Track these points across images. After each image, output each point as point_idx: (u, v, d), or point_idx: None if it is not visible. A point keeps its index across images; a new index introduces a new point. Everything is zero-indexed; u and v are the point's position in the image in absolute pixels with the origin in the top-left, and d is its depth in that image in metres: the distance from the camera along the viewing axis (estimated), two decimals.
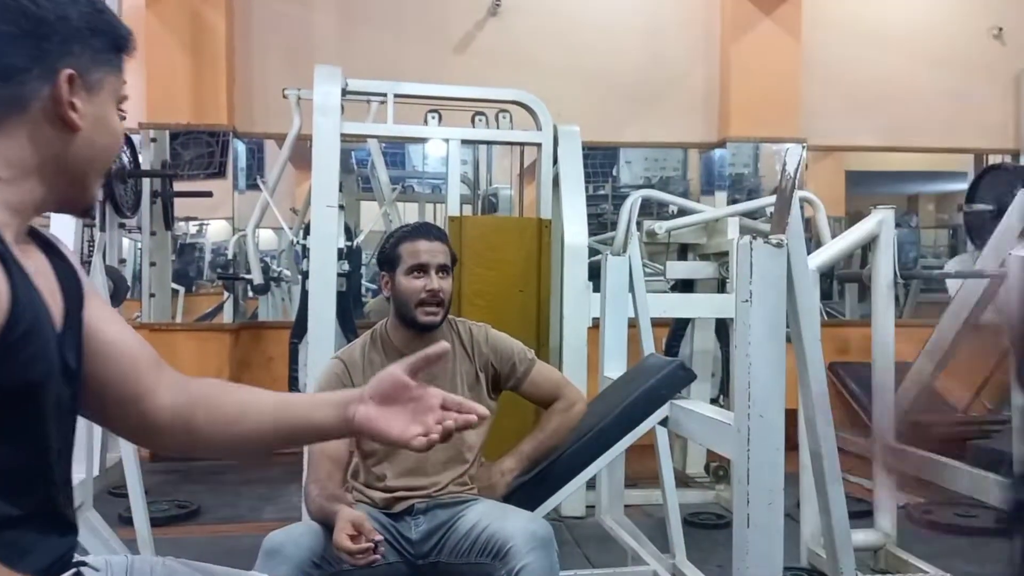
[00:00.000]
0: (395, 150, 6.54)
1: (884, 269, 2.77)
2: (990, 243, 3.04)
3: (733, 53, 5.20)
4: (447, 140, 3.44)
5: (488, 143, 4.34)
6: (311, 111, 3.16)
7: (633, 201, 3.33)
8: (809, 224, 3.65)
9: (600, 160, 6.26)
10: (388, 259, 1.97)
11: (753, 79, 5.13)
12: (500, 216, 4.66)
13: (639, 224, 3.54)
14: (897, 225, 3.28)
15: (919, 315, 5.57)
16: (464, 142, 3.57)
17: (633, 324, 2.94)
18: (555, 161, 3.52)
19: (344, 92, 3.19)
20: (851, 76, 5.31)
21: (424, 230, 2.00)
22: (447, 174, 3.47)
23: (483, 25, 5.14)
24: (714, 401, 3.83)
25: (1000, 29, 5.23)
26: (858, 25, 5.34)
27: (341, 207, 3.38)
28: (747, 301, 1.71)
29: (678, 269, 3.84)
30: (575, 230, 3.27)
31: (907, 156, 6.42)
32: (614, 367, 2.80)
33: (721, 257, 3.75)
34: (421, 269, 1.91)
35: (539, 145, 3.52)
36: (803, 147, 5.15)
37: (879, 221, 2.75)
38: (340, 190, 3.20)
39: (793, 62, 5.15)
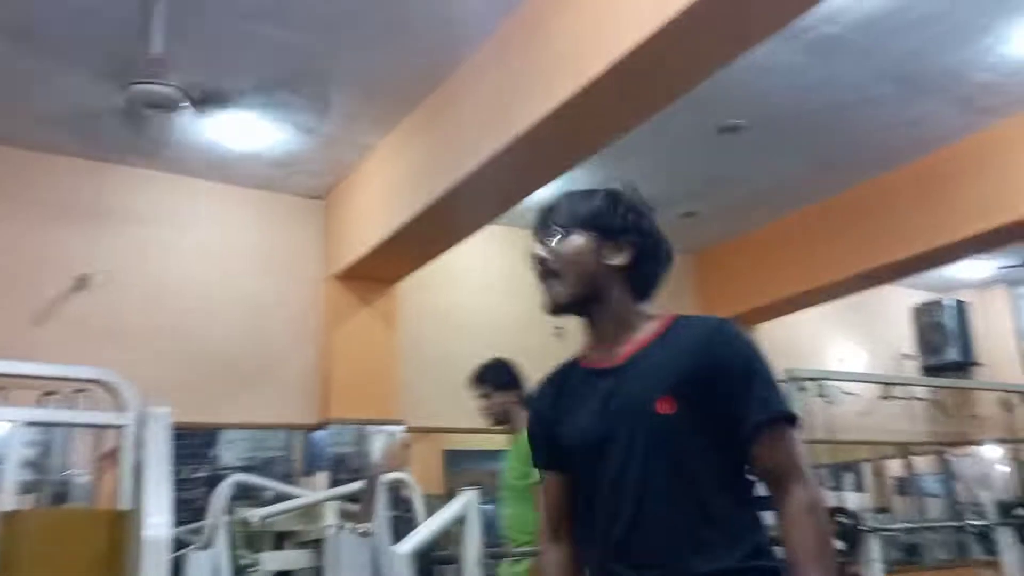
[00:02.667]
0: None
1: (471, 547, 2.89)
2: None
3: (335, 338, 5.42)
4: (11, 423, 3.04)
5: (60, 424, 3.90)
6: None
7: (223, 489, 3.16)
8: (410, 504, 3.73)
9: (199, 441, 5.91)
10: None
11: (354, 363, 5.35)
12: (65, 509, 4.11)
13: (233, 511, 3.34)
14: (487, 503, 3.48)
15: None
16: (30, 424, 3.16)
17: None
18: (140, 445, 3.24)
19: None
20: (446, 362, 5.78)
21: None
22: (5, 461, 3.02)
23: (68, 296, 4.81)
24: None
25: (560, 328, 6.14)
26: (449, 318, 5.91)
27: None
28: None
29: (274, 560, 3.62)
30: (156, 522, 2.96)
31: (498, 436, 6.99)
32: None
33: (320, 544, 3.63)
34: None
35: (121, 428, 3.25)
36: (397, 431, 5.36)
37: (465, 503, 2.90)
38: None
39: (390, 349, 5.50)
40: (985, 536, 7.28)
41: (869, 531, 4.00)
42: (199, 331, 5.15)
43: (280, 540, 3.76)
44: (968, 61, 4.46)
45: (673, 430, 1.37)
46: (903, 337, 7.92)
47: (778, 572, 1.34)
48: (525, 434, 3.03)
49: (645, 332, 1.47)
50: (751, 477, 1.41)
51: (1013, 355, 7.76)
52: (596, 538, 1.44)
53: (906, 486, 7.62)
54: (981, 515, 7.31)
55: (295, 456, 5.71)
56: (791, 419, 1.40)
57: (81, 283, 4.84)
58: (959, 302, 7.79)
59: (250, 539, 3.79)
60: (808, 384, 5.89)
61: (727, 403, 1.38)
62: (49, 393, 3.38)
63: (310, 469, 5.37)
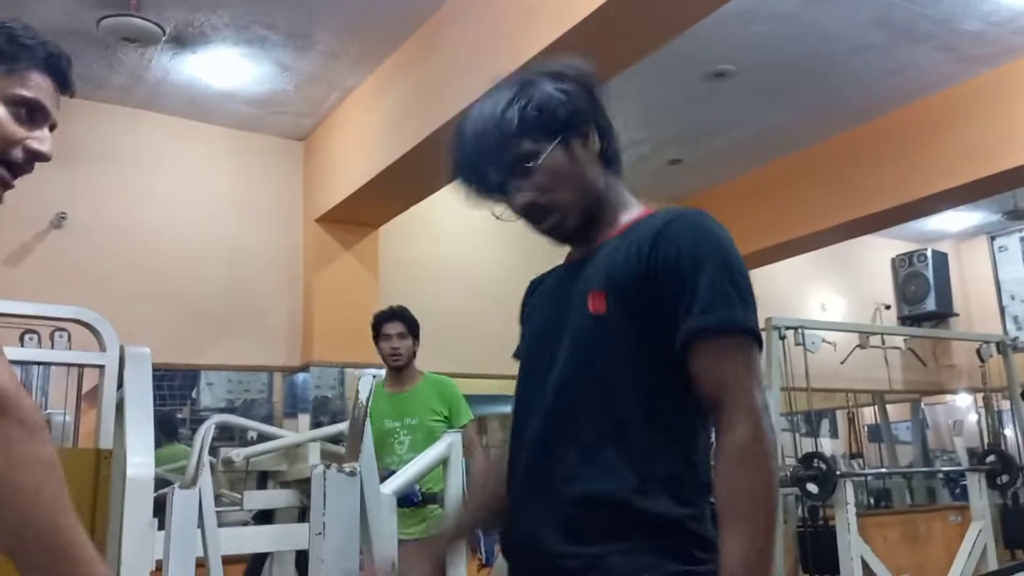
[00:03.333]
0: None
1: (453, 487, 2.91)
2: None
3: (316, 281, 5.39)
4: None
5: (38, 364, 3.86)
6: None
7: (207, 428, 3.14)
8: None
9: (179, 383, 5.90)
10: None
11: (335, 307, 5.33)
12: None
13: (216, 452, 3.34)
14: None
15: None
16: (10, 363, 3.12)
17: (203, 563, 2.68)
18: (120, 385, 3.22)
19: None
20: (425, 309, 5.76)
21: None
22: None
23: (44, 237, 4.73)
24: None
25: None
26: (429, 266, 5.89)
27: None
28: (320, 534, 1.66)
29: (257, 499, 3.63)
30: (138, 461, 2.95)
31: (476, 381, 7.03)
32: None
33: (303, 484, 3.65)
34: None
35: (102, 367, 3.21)
36: (380, 374, 5.36)
37: (449, 444, 2.91)
38: None
39: (372, 294, 5.47)
40: (954, 482, 7.47)
41: (843, 476, 4.07)
42: (178, 272, 5.09)
43: (263, 480, 3.77)
44: (960, 8, 4.42)
45: (600, 331, 1.17)
46: (883, 287, 8.00)
47: (681, 524, 1.11)
48: (427, 381, 3.04)
49: (621, 223, 1.27)
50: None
51: (990, 306, 7.86)
52: (515, 454, 1.28)
53: (879, 433, 7.77)
54: (952, 462, 7.48)
55: (276, 399, 5.72)
56: (745, 332, 1.13)
57: (56, 223, 4.75)
58: (938, 253, 7.86)
59: (231, 480, 3.80)
60: (788, 332, 5.94)
61: (670, 306, 1.14)
62: (28, 332, 3.34)
63: (291, 412, 5.38)
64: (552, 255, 1.45)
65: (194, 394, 6.09)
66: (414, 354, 3.62)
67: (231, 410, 5.53)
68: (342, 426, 4.00)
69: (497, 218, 1.33)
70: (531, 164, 1.23)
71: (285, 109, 5.25)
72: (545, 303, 1.34)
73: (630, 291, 1.16)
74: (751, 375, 1.11)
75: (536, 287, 1.44)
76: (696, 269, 1.14)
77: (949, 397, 8.10)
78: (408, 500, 3.09)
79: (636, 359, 1.16)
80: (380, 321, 3.79)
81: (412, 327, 3.67)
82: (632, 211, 1.29)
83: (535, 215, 1.27)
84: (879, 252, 7.97)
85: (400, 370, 3.56)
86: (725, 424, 1.09)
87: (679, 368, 1.14)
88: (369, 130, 4.90)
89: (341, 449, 3.74)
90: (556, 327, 1.25)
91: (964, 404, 8.07)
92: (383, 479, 2.04)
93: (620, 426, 1.15)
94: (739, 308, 1.14)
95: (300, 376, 5.35)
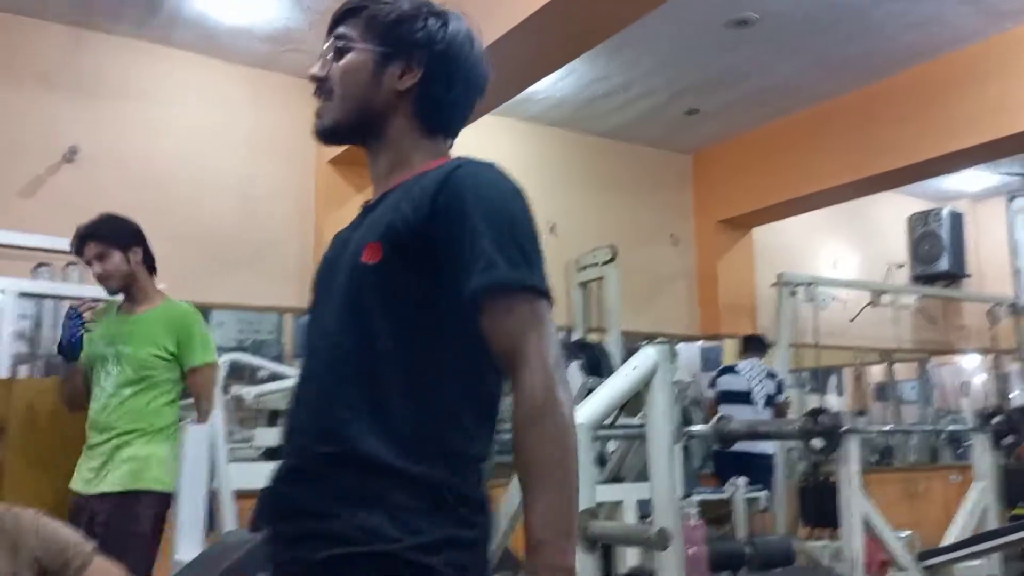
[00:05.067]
0: None
1: None
2: None
3: (327, 223, 5.37)
4: (2, 292, 3.02)
5: (52, 297, 3.88)
6: None
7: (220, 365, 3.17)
8: None
9: None
10: None
11: None
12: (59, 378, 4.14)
13: (226, 390, 3.38)
14: None
15: None
16: (22, 295, 3.14)
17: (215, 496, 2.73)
18: None
19: None
20: None
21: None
22: None
23: (57, 170, 4.72)
24: None
25: (554, 224, 6.10)
26: None
27: None
28: None
29: (267, 436, 3.69)
30: None
31: None
32: (189, 548, 2.54)
33: None
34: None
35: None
36: None
37: None
38: None
39: None
40: (957, 443, 7.51)
41: (848, 432, 4.08)
42: (190, 210, 5.09)
43: (273, 418, 3.82)
44: None
45: (370, 284, 1.12)
46: (896, 246, 7.94)
47: (442, 484, 1.06)
48: (162, 308, 2.71)
49: (412, 172, 1.21)
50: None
51: (1004, 267, 7.80)
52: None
53: (885, 392, 7.79)
54: (957, 422, 7.50)
55: (286, 340, 5.76)
56: (529, 290, 1.07)
57: (69, 157, 4.74)
58: (954, 213, 7.78)
59: (241, 418, 3.86)
60: (798, 288, 5.93)
61: (451, 260, 1.08)
62: (41, 264, 3.35)
63: (300, 353, 5.41)
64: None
65: None
66: (133, 271, 2.79)
67: (241, 350, 5.56)
68: None
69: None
70: (342, 46, 1.23)
71: (299, 47, 5.18)
72: (329, 254, 1.28)
73: (407, 240, 1.11)
74: (540, 332, 1.06)
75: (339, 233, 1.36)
76: (477, 224, 1.08)
77: (957, 358, 8.09)
78: None
79: (407, 311, 1.11)
80: (75, 250, 2.90)
81: (117, 238, 2.80)
82: (429, 161, 1.23)
83: (318, 91, 1.26)
84: (894, 210, 7.89)
85: (127, 291, 2.82)
86: (517, 383, 1.04)
87: (462, 322, 1.09)
88: None
89: None
90: (329, 278, 1.22)
91: (971, 366, 8.06)
92: None
93: (381, 384, 1.09)
94: (523, 266, 1.08)
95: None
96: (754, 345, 5.90)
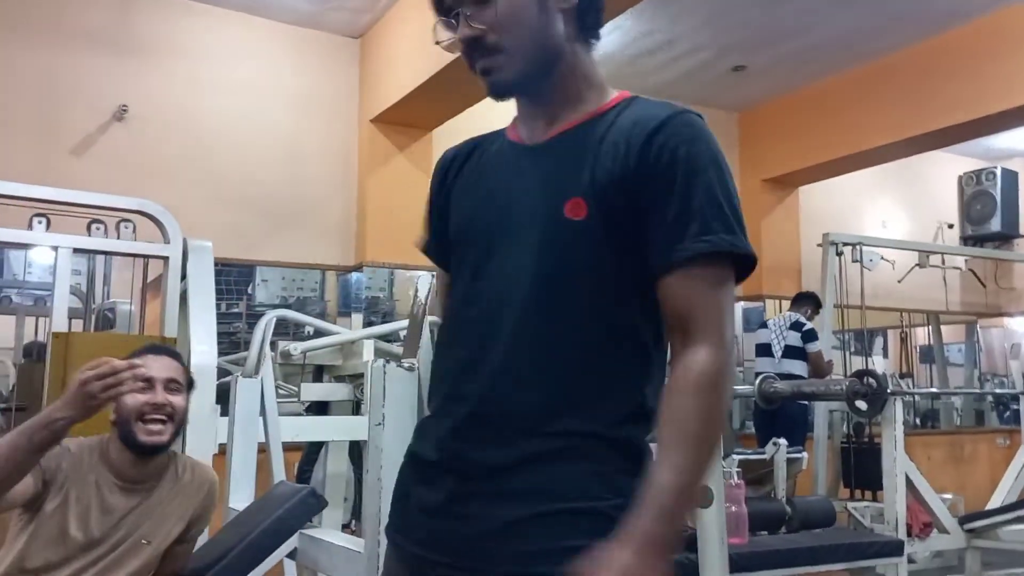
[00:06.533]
0: None
1: None
2: None
3: (370, 182, 5.40)
4: (55, 248, 3.09)
5: (105, 253, 3.97)
6: None
7: (267, 321, 3.23)
8: None
9: (235, 277, 6.03)
10: None
11: (389, 208, 5.35)
12: (116, 334, 4.24)
13: (273, 345, 3.44)
14: None
15: None
16: (77, 251, 3.21)
17: (263, 449, 2.80)
18: (183, 276, 3.31)
19: None
20: None
21: (153, 347, 1.91)
22: (54, 285, 3.09)
23: (107, 129, 4.80)
24: (346, 527, 3.74)
25: None
26: None
27: None
28: (380, 424, 1.71)
29: (313, 391, 3.76)
30: (203, 349, 3.07)
31: None
32: (241, 497, 2.62)
33: (357, 379, 3.75)
34: (146, 382, 1.74)
35: (166, 259, 3.29)
36: (432, 275, 5.42)
37: None
38: None
39: (424, 195, 5.45)
40: (1004, 406, 7.39)
41: (893, 394, 4.04)
42: (236, 168, 5.14)
43: (319, 374, 3.89)
44: None
45: (577, 241, 1.04)
46: (947, 205, 7.76)
47: (632, 447, 1.05)
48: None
49: (588, 108, 1.12)
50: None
51: None
52: (448, 371, 1.14)
53: (930, 354, 7.68)
54: (1003, 386, 7.37)
55: (329, 297, 5.83)
56: (736, 259, 1.03)
57: (119, 115, 4.81)
58: (1008, 171, 7.57)
59: (286, 374, 3.93)
60: (845, 248, 5.84)
61: (658, 215, 1.03)
62: (95, 222, 3.42)
63: (345, 311, 5.49)
64: None
65: (250, 289, 6.24)
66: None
67: (285, 307, 5.64)
68: (396, 325, 4.08)
69: (437, 44, 1.18)
70: None
71: (343, 5, 5.17)
72: (492, 187, 1.16)
73: (615, 198, 1.04)
74: (729, 305, 1.04)
75: (457, 161, 1.26)
76: (693, 182, 1.02)
77: (1006, 320, 7.93)
78: None
79: (616, 273, 1.05)
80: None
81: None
82: (603, 93, 1.14)
83: (475, 52, 1.11)
84: (946, 168, 7.69)
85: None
86: (692, 349, 1.00)
87: (648, 282, 1.05)
88: (424, 28, 4.78)
89: (392, 347, 3.83)
90: (514, 222, 1.09)
91: (1020, 328, 7.90)
92: None
93: (596, 350, 1.05)
94: (739, 232, 1.04)
95: (354, 276, 5.43)
96: (799, 300, 5.90)
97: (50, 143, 4.66)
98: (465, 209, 1.18)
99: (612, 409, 1.05)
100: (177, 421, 1.80)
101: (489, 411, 1.06)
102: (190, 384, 1.87)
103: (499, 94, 1.13)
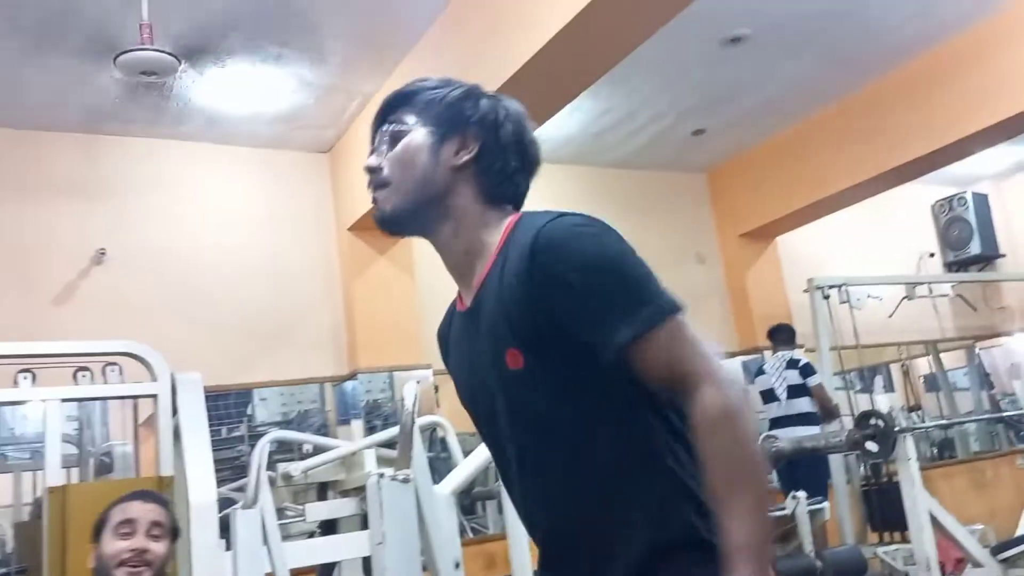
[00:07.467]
0: None
1: None
2: None
3: (355, 289, 5.44)
4: (44, 401, 3.08)
5: (94, 399, 3.96)
6: None
7: (261, 448, 3.20)
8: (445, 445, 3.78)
9: (233, 400, 6.00)
10: (96, 526, 1.74)
11: (376, 312, 5.38)
12: (111, 481, 4.19)
13: (275, 466, 3.40)
14: None
15: None
16: (65, 401, 3.21)
17: None
18: (175, 412, 3.29)
19: None
20: None
21: (139, 493, 1.90)
22: (44, 439, 3.07)
23: (88, 273, 4.83)
24: None
25: None
26: None
27: None
28: (381, 543, 1.68)
29: (318, 511, 3.69)
30: (201, 488, 3.03)
31: None
32: None
33: (362, 491, 3.69)
34: (128, 525, 1.68)
35: (155, 397, 3.28)
36: (418, 382, 5.39)
37: None
38: None
39: (411, 295, 5.50)
40: (1017, 426, 7.31)
41: (902, 431, 4.01)
42: (220, 294, 5.17)
43: (324, 490, 3.83)
44: None
45: (527, 390, 1.12)
46: (925, 235, 7.84)
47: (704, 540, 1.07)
48: None
49: (489, 252, 1.19)
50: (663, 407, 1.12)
51: None
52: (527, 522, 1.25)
53: (936, 383, 7.64)
54: (1015, 405, 7.31)
55: (328, 407, 5.79)
56: (664, 316, 1.07)
57: (97, 259, 4.85)
58: (978, 195, 7.67)
59: (294, 492, 3.87)
60: (831, 291, 5.87)
61: (582, 330, 1.08)
62: (80, 369, 3.43)
63: (344, 419, 5.45)
64: None
65: (249, 411, 6.19)
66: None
67: (287, 423, 5.61)
68: (394, 431, 4.05)
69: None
70: (396, 131, 1.23)
71: (308, 123, 5.29)
72: (461, 358, 1.28)
73: (539, 333, 1.10)
74: (694, 347, 1.07)
75: (445, 340, 1.36)
76: (589, 283, 1.08)
77: (1004, 339, 7.92)
78: None
79: (574, 398, 1.11)
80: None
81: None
82: (498, 230, 1.21)
83: (371, 181, 1.26)
84: (918, 200, 7.79)
85: None
86: (691, 403, 1.04)
87: (614, 382, 1.09)
88: None
89: (395, 453, 3.78)
90: (483, 383, 1.20)
91: (1019, 346, 7.89)
92: None
93: (605, 477, 1.11)
94: (654, 299, 1.08)
95: (349, 384, 5.41)
96: (779, 337, 5.91)
97: (31, 296, 4.68)
98: (460, 382, 1.30)
99: (665, 522, 1.08)
100: (156, 568, 1.76)
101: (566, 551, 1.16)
102: (175, 531, 1.85)
103: (380, 222, 1.25)
